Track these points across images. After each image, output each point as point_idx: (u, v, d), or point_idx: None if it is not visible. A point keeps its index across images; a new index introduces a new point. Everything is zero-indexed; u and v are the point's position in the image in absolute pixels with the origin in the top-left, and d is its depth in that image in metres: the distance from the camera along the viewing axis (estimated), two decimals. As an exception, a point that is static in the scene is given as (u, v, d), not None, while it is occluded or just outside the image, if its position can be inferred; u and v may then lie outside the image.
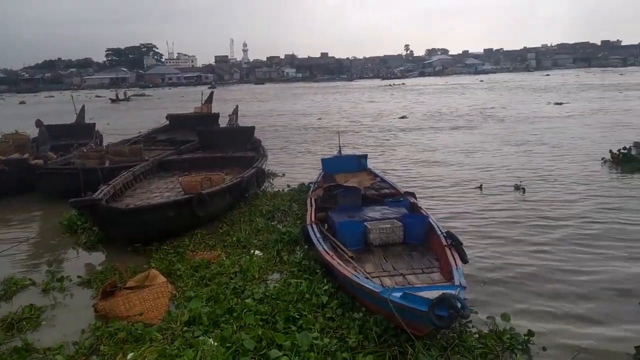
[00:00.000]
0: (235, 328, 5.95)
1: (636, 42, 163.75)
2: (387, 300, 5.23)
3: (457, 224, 10.62)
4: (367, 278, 6.34)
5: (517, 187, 13.66)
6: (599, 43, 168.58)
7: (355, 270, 6.68)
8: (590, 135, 22.85)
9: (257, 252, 8.93)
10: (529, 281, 7.70)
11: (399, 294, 5.27)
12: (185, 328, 6.09)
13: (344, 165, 13.47)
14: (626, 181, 14.28)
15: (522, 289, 7.43)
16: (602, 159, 16.77)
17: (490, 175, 15.61)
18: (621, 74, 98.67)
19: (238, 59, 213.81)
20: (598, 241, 9.24)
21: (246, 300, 6.62)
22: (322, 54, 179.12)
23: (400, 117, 35.44)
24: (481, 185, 14.17)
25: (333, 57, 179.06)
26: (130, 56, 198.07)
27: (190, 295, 7.08)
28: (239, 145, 17.40)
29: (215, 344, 5.50)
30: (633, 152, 16.25)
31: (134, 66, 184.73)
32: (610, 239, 9.32)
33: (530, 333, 5.88)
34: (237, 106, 23.94)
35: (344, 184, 11.01)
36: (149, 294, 6.95)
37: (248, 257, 8.58)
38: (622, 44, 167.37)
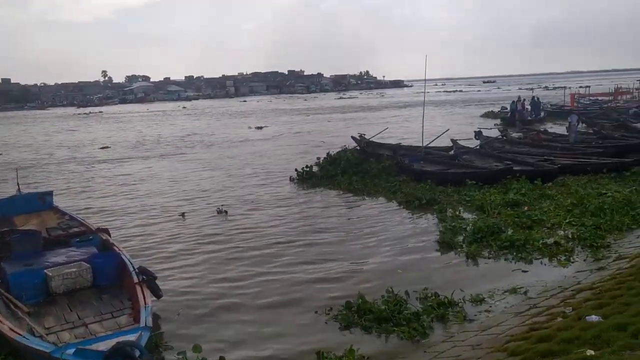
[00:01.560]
0: None
1: (315, 72, 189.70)
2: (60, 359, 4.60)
3: (156, 256, 10.29)
4: (40, 336, 5.52)
5: (219, 211, 14.02)
6: (286, 72, 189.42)
7: (30, 328, 5.76)
8: (286, 156, 25.15)
9: None
10: (223, 307, 7.84)
11: (72, 351, 4.70)
12: None
13: (23, 205, 11.78)
14: (310, 193, 16.26)
15: (216, 317, 7.52)
16: (290, 177, 18.49)
17: (195, 201, 15.74)
18: (305, 100, 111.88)
19: None
20: (292, 260, 9.94)
21: None
22: (3, 80, 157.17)
23: (101, 148, 33.35)
24: (184, 213, 14.13)
25: (18, 83, 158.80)
26: None
27: None
28: None
29: None
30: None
31: None
32: (302, 255, 10.16)
33: (222, 358, 5.90)
34: None
35: (20, 228, 9.61)
36: None
37: None
38: (305, 73, 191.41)
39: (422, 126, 19.03)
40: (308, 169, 18.35)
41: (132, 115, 76.13)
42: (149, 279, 6.90)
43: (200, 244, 11.24)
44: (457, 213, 12.25)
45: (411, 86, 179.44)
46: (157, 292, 6.74)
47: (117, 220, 13.70)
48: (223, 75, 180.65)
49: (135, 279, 6.95)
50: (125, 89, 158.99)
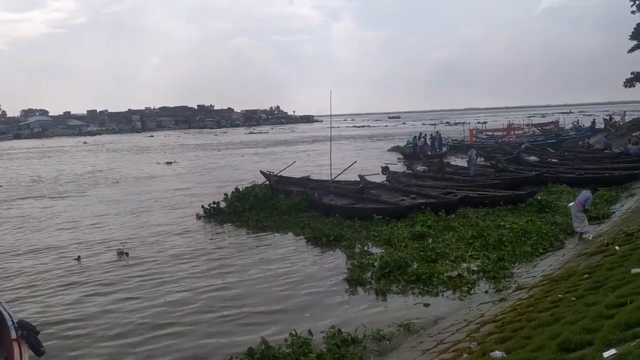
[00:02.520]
0: None
1: (226, 107, 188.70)
2: None
3: (44, 307, 9.35)
4: None
5: (120, 253, 13.18)
6: (196, 107, 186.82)
7: None
8: (196, 192, 24.34)
9: None
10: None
11: None
12: None
13: None
14: (217, 231, 15.73)
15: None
16: (197, 214, 17.83)
17: (95, 243, 14.68)
18: (215, 135, 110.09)
19: None
20: (194, 308, 9.39)
21: None
22: None
23: (-10, 186, 30.68)
24: (79, 256, 13.15)
25: None
26: None
27: None
28: None
29: None
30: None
31: None
32: (207, 302, 9.61)
33: None
34: None
35: None
36: None
37: None
38: (215, 108, 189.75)
39: (330, 160, 19.09)
40: (215, 205, 17.80)
41: (27, 152, 71.16)
42: (29, 334, 6.14)
43: (95, 294, 10.38)
44: (365, 248, 12.27)
45: (321, 121, 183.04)
46: (38, 349, 6.00)
47: (2, 267, 12.45)
48: (129, 110, 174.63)
49: (13, 335, 6.17)
50: (21, 123, 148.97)
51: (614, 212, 15.01)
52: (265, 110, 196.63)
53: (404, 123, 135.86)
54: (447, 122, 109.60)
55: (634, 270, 7.13)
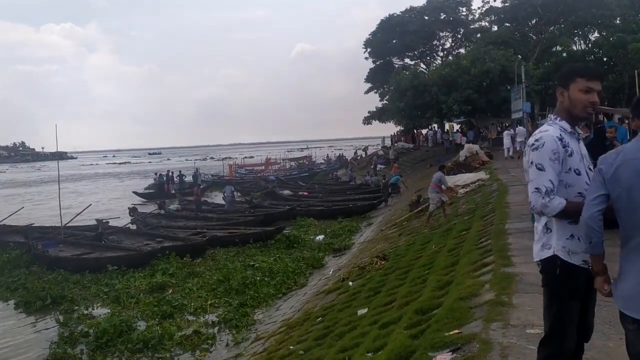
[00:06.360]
0: None
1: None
2: None
3: None
4: None
5: None
6: None
7: None
8: None
9: None
10: None
11: None
12: None
13: None
14: None
15: None
16: None
17: None
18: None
19: None
20: None
21: None
22: None
23: None
24: None
25: None
26: None
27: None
28: None
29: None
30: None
31: None
32: None
33: None
34: None
35: None
36: None
37: None
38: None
39: (59, 203, 16.23)
40: None
41: None
42: None
43: None
44: (87, 311, 10.28)
45: (76, 158, 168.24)
46: None
47: None
48: None
49: None
50: None
51: (354, 243, 15.62)
52: (6, 147, 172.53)
53: (168, 159, 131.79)
54: (212, 158, 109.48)
55: (360, 312, 6.87)
